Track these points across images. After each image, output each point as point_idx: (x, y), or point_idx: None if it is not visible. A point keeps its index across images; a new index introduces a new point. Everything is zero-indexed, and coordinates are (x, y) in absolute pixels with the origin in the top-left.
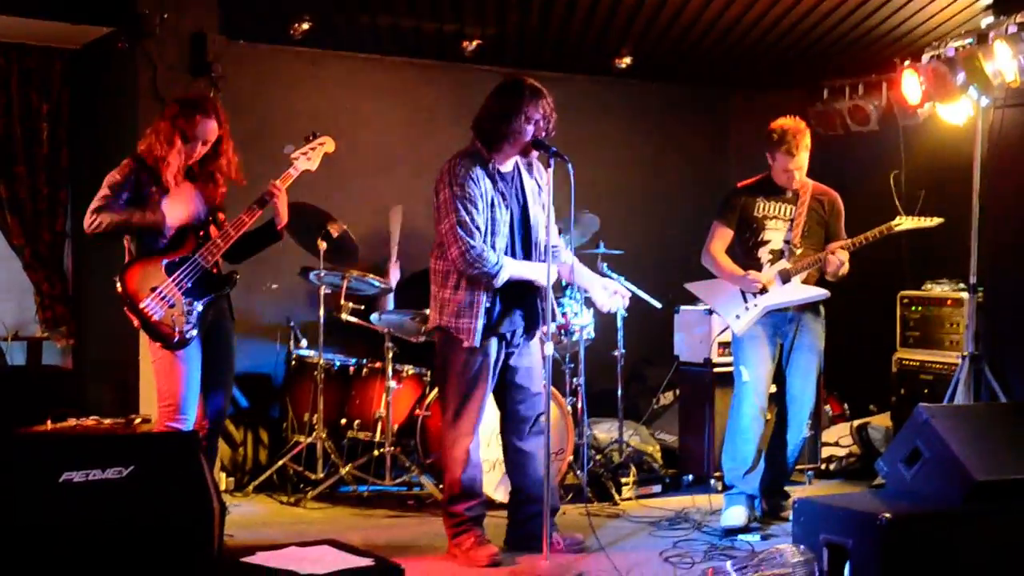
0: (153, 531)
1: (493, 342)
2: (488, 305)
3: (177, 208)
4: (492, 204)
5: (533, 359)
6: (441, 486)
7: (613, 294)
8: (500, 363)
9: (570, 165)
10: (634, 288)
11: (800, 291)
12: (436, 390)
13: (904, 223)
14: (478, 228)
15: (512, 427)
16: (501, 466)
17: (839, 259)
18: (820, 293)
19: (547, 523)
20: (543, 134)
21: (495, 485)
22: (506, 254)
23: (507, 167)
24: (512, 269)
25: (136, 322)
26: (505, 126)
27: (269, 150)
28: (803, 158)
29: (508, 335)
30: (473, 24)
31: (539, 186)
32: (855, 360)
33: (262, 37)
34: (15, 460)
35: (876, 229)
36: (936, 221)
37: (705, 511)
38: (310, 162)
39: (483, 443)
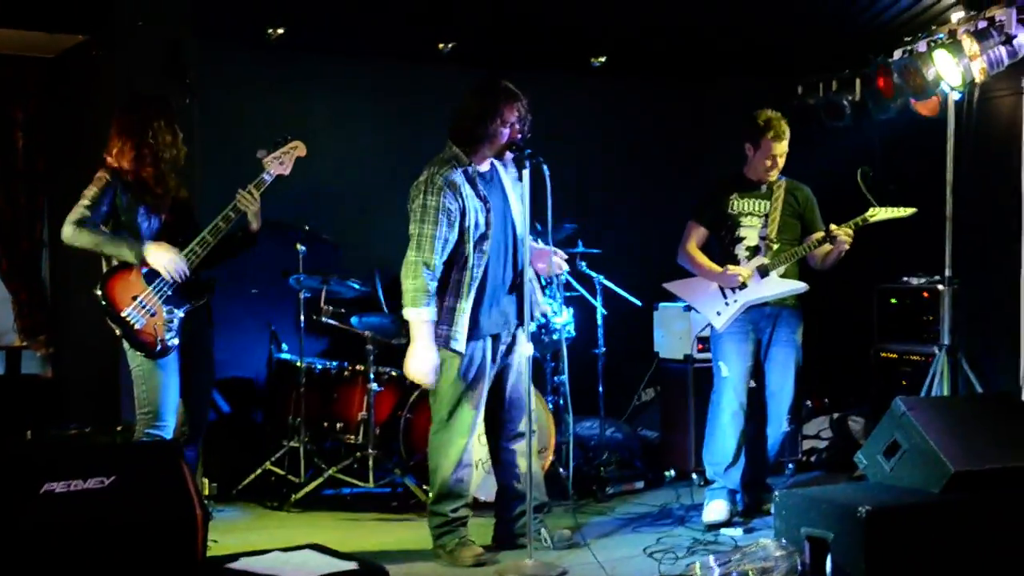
0: (136, 540)
1: (482, 344)
2: (472, 309)
3: (159, 254)
4: (475, 210)
5: (518, 358)
6: (425, 487)
7: (552, 255)
8: (495, 364)
9: (546, 167)
10: (613, 286)
11: (779, 285)
12: (417, 392)
13: (878, 214)
14: (445, 240)
15: (500, 426)
16: (483, 466)
17: (844, 238)
18: (799, 287)
19: (530, 521)
20: (519, 136)
21: (478, 485)
22: (494, 253)
23: (484, 166)
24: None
25: (117, 331)
26: (481, 129)
27: (245, 154)
28: (786, 144)
29: (498, 335)
30: (448, 24)
31: (514, 180)
32: (835, 353)
33: (237, 42)
34: None
35: (851, 221)
36: (909, 211)
37: (687, 506)
38: (283, 167)
39: None
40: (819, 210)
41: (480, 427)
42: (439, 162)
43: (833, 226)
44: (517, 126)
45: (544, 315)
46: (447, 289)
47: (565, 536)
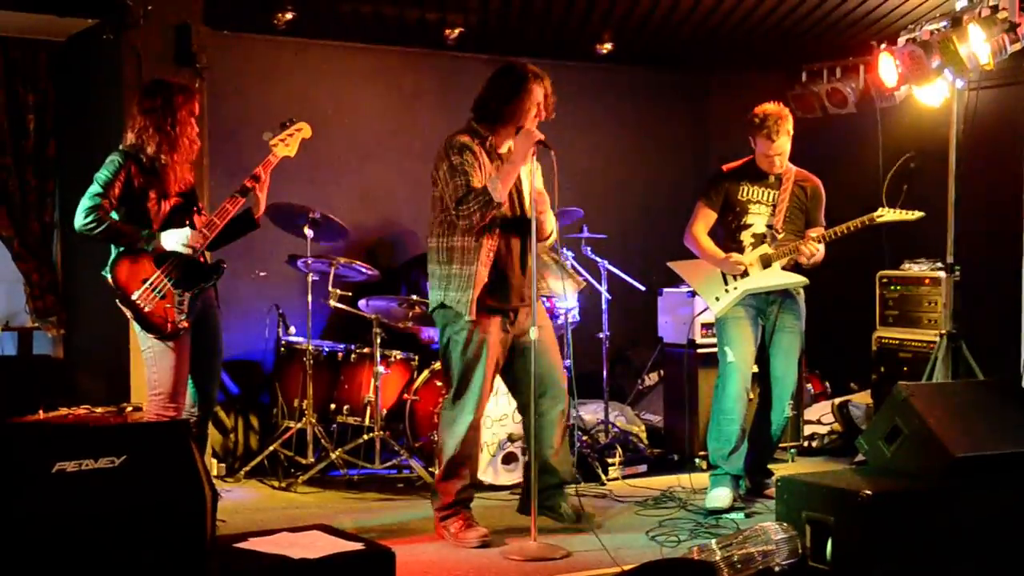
0: (146, 519)
1: (495, 321)
2: (483, 282)
3: (172, 238)
4: (487, 177)
5: (543, 332)
6: (430, 469)
7: None
8: (509, 342)
9: (552, 153)
10: (618, 271)
11: (780, 276)
12: (423, 375)
13: (886, 215)
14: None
15: (531, 402)
16: (491, 448)
17: (809, 252)
18: (799, 280)
19: (535, 502)
20: (544, 115)
21: (484, 467)
22: (505, 231)
23: (503, 148)
24: (499, 191)
25: (128, 314)
26: (510, 107)
27: (253, 139)
28: (783, 143)
29: (510, 313)
30: (455, 11)
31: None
32: (836, 339)
33: (246, 27)
34: (8, 450)
35: (858, 220)
36: (917, 215)
37: (690, 490)
38: (288, 148)
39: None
40: (825, 200)
41: (490, 411)
42: (457, 132)
43: (817, 232)
44: (543, 104)
45: (549, 299)
46: (454, 255)
47: (588, 517)
